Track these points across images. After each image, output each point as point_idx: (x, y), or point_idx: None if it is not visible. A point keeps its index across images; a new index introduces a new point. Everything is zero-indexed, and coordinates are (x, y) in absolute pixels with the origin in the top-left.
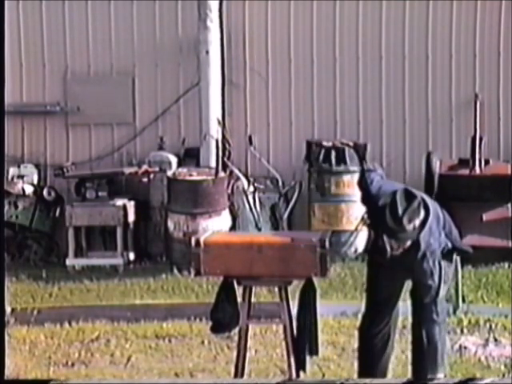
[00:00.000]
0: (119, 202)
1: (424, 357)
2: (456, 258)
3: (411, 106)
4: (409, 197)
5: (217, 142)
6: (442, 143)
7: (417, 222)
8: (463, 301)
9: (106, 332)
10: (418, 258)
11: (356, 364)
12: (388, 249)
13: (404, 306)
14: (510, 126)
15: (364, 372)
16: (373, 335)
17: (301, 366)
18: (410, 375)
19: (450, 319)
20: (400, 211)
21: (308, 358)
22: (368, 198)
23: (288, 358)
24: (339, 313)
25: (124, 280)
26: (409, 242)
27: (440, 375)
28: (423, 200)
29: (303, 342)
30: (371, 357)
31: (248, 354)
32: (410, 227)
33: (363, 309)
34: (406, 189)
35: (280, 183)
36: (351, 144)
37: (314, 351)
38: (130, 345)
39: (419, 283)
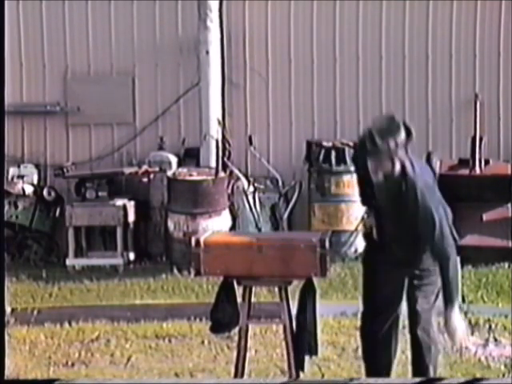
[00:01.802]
0: (119, 202)
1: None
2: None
3: (411, 106)
4: (389, 120)
5: (217, 141)
6: (442, 143)
7: (393, 142)
8: (463, 301)
9: (106, 332)
10: (412, 198)
11: (356, 364)
12: (372, 172)
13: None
14: (510, 125)
15: (370, 372)
16: (374, 335)
17: (300, 366)
18: (410, 375)
19: None
20: (376, 132)
21: (308, 357)
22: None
23: (288, 358)
24: (339, 313)
25: (124, 280)
26: (389, 163)
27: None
28: (405, 124)
29: (303, 342)
30: (375, 357)
31: (248, 354)
32: (384, 146)
33: (361, 309)
34: (389, 114)
35: (280, 183)
36: (351, 144)
37: (314, 351)
38: (130, 345)
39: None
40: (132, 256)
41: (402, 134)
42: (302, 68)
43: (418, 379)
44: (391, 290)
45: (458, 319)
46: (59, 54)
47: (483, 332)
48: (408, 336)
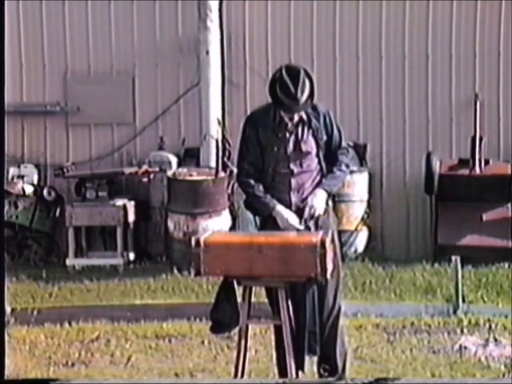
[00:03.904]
0: (119, 202)
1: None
2: (456, 258)
3: (411, 106)
4: (293, 72)
5: (217, 142)
6: (441, 143)
7: (306, 94)
8: (463, 301)
9: (106, 332)
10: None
11: (356, 364)
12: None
13: (400, 306)
14: (510, 125)
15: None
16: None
17: (300, 366)
18: (409, 375)
19: (450, 319)
20: (292, 87)
21: (308, 357)
22: None
23: (288, 358)
24: None
25: (124, 280)
26: (302, 112)
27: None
28: (305, 71)
29: (303, 342)
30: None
31: (248, 354)
32: (303, 99)
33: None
34: (287, 66)
35: None
36: (351, 144)
37: (314, 351)
38: (130, 345)
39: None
40: (132, 256)
41: (308, 85)
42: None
43: (417, 379)
44: None
45: (320, 197)
46: (59, 54)
47: (483, 332)
48: (408, 336)
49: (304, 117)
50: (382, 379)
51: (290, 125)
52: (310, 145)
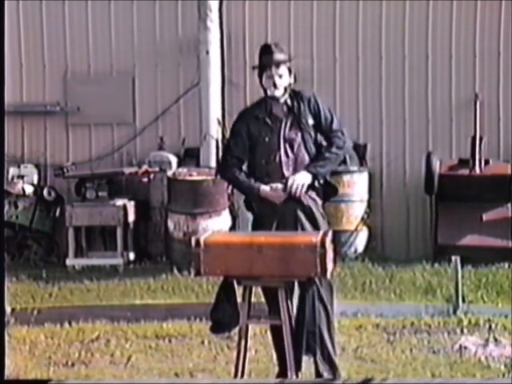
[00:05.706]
0: (119, 202)
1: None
2: (456, 258)
3: (411, 106)
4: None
5: (217, 142)
6: (441, 143)
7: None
8: (463, 301)
9: (106, 332)
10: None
11: (356, 364)
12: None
13: (400, 306)
14: (510, 125)
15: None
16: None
17: (297, 366)
18: (409, 375)
19: (450, 319)
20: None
21: (308, 357)
22: None
23: (288, 358)
24: (339, 313)
25: (124, 280)
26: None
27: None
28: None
29: (302, 342)
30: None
31: (248, 354)
32: (279, 53)
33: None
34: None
35: None
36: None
37: (314, 351)
38: (130, 345)
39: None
40: (132, 256)
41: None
42: (301, 68)
43: (417, 379)
44: None
45: (300, 177)
46: (59, 54)
47: (483, 332)
48: (408, 336)
49: (289, 102)
50: (371, 379)
51: (279, 112)
52: (294, 131)
